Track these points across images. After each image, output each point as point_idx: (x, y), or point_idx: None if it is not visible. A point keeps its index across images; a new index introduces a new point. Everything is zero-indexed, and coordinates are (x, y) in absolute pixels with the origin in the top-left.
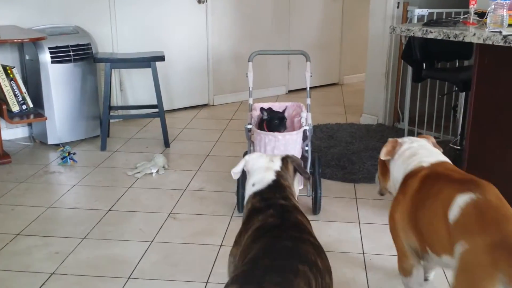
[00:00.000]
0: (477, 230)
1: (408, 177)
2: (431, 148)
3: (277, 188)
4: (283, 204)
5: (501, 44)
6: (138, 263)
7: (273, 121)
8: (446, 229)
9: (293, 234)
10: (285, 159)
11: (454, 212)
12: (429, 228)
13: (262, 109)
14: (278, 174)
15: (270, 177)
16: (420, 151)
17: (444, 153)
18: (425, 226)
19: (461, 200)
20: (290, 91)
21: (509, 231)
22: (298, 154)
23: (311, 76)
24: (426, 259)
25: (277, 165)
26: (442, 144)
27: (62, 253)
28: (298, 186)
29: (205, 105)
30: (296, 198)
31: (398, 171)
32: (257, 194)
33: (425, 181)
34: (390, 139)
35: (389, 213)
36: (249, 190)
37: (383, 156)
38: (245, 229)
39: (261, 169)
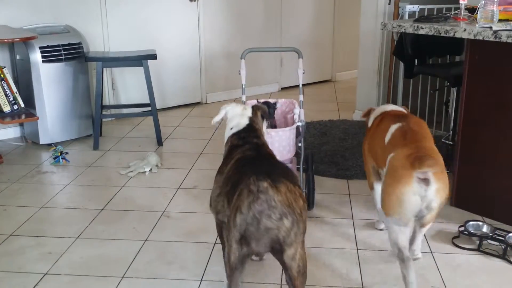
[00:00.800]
0: (400, 145)
1: (375, 119)
2: (393, 106)
3: (251, 129)
4: (256, 142)
5: (492, 39)
6: (132, 262)
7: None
8: (383, 149)
9: (269, 160)
10: (254, 107)
11: (388, 136)
12: (376, 151)
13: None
14: (250, 119)
15: (244, 121)
16: (384, 108)
17: (437, 148)
18: (375, 151)
19: (393, 128)
20: (283, 88)
21: (422, 146)
22: (291, 150)
23: (303, 73)
24: (381, 174)
25: (249, 112)
26: (434, 140)
27: (55, 253)
28: (265, 129)
29: (198, 103)
30: (264, 138)
31: (371, 117)
32: (235, 135)
33: (377, 123)
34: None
35: (363, 142)
36: (228, 133)
37: (360, 116)
38: (227, 161)
39: (237, 116)
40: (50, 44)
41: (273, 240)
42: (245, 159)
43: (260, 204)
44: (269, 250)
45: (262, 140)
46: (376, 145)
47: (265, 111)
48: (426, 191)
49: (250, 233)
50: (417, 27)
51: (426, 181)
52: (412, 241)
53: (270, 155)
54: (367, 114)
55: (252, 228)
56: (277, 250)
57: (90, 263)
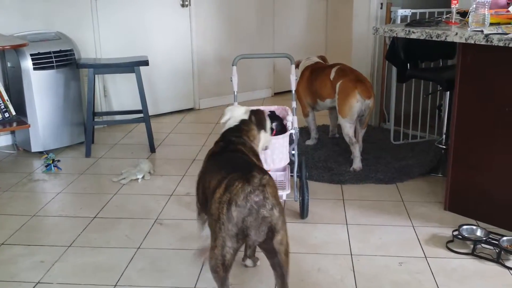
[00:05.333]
0: (345, 75)
1: (303, 71)
2: (314, 58)
3: (236, 130)
4: (233, 139)
5: (483, 43)
6: (124, 270)
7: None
8: (330, 84)
9: (228, 154)
10: (251, 112)
11: (332, 74)
12: (321, 87)
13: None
14: (242, 121)
15: (235, 122)
16: (305, 63)
17: (430, 152)
18: (318, 88)
19: (334, 69)
20: (276, 94)
21: (358, 75)
22: (285, 158)
23: (296, 79)
24: (316, 107)
25: (246, 115)
26: (428, 144)
27: (47, 261)
28: (268, 134)
29: (191, 109)
30: (255, 140)
31: (300, 70)
32: (223, 133)
33: (312, 70)
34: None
35: (296, 88)
36: (222, 131)
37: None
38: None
39: (234, 118)
40: (41, 51)
41: (268, 228)
42: (212, 154)
43: (257, 196)
44: (264, 237)
45: (240, 139)
46: (319, 84)
47: (258, 118)
48: (365, 100)
49: (249, 223)
50: (409, 31)
51: (363, 95)
52: (357, 139)
53: (236, 151)
54: (297, 65)
55: (251, 218)
56: (269, 237)
57: (82, 271)
